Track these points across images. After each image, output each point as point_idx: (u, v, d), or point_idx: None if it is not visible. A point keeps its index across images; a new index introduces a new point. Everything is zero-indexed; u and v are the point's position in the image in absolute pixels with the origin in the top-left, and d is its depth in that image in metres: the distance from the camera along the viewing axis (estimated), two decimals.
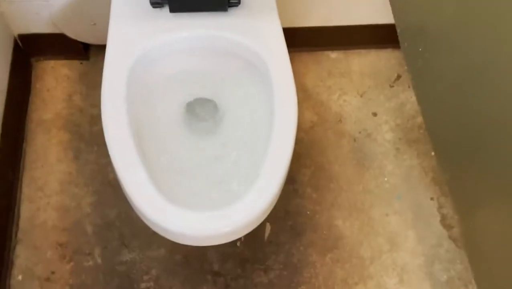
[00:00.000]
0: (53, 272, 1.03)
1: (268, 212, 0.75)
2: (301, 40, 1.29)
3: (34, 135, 1.16)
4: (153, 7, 0.82)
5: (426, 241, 1.14)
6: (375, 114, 1.29)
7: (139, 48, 0.80)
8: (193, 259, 1.07)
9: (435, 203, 1.18)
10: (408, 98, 1.32)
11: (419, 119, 1.28)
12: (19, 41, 1.19)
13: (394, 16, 1.04)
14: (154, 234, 1.07)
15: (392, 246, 1.12)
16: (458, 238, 1.14)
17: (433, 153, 1.23)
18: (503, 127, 0.69)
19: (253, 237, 1.10)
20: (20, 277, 1.02)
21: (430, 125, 0.93)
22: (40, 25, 1.15)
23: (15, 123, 1.14)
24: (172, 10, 0.82)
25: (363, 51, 1.38)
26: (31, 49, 1.22)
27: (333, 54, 1.36)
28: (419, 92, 0.94)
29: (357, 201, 1.17)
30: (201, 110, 0.93)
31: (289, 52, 0.84)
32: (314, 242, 1.11)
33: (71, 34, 1.17)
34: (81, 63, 1.27)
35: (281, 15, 0.87)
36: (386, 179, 1.20)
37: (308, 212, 1.14)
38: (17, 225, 1.06)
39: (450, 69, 0.82)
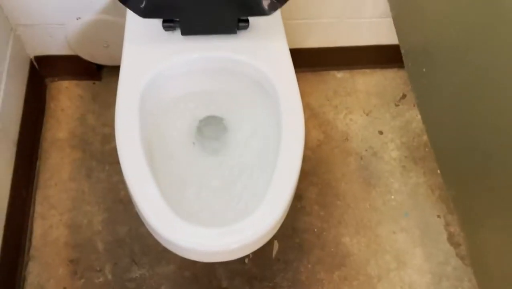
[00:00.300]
0: (64, 288, 1.04)
1: (277, 228, 0.77)
2: (307, 61, 1.32)
3: (48, 154, 1.19)
4: (165, 30, 0.86)
5: (434, 258, 1.14)
6: (381, 133, 1.31)
7: (152, 69, 0.83)
8: (202, 275, 1.08)
9: (442, 221, 1.19)
10: (414, 116, 1.33)
11: (425, 137, 1.30)
12: (35, 63, 1.23)
13: (399, 38, 1.06)
14: (164, 250, 1.09)
15: (399, 263, 1.13)
16: (466, 255, 1.14)
17: (439, 171, 1.25)
18: (508, 144, 0.70)
19: (261, 255, 1.11)
20: None
21: (435, 143, 0.95)
22: (55, 47, 1.19)
23: (30, 142, 1.17)
24: (184, 33, 0.85)
25: (368, 70, 1.40)
26: (46, 70, 1.26)
27: (339, 74, 1.39)
28: (424, 110, 0.96)
29: (364, 218, 1.18)
30: (210, 129, 0.95)
31: (296, 72, 0.86)
32: (322, 260, 1.12)
33: (85, 55, 1.21)
34: (94, 84, 1.30)
35: (288, 36, 0.90)
36: (392, 196, 1.21)
37: (316, 230, 1.15)
38: (30, 242, 1.08)
39: (453, 89, 0.84)
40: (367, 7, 1.19)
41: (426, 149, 1.29)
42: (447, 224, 1.18)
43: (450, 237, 1.17)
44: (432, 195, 1.22)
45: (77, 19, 1.09)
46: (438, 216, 1.19)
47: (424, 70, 0.91)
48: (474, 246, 0.80)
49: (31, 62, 1.22)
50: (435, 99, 0.89)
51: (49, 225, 1.11)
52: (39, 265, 1.06)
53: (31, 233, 1.09)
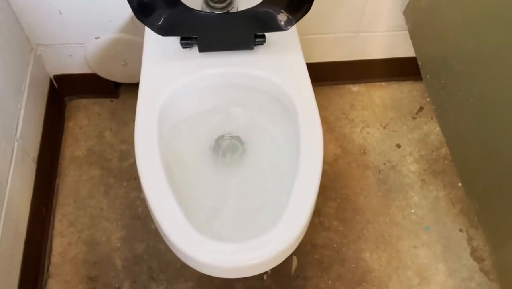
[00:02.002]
0: None
1: (297, 244, 0.76)
2: (323, 75, 1.32)
3: (67, 171, 1.20)
4: (183, 47, 0.87)
5: (457, 274, 1.11)
6: (399, 146, 1.29)
7: (170, 86, 0.84)
8: None
9: (464, 235, 1.16)
10: (432, 129, 1.32)
11: (444, 150, 1.28)
12: (54, 82, 1.25)
13: (415, 50, 1.06)
14: (182, 267, 1.08)
15: (421, 279, 1.10)
16: (490, 270, 1.11)
17: (460, 184, 1.23)
18: None
19: (280, 271, 1.09)
20: None
21: (455, 155, 0.93)
22: (74, 66, 1.21)
23: (49, 160, 1.18)
24: (201, 50, 0.86)
25: (384, 84, 1.40)
26: (65, 89, 1.28)
27: (355, 88, 1.39)
28: (443, 123, 0.95)
29: (384, 233, 1.16)
30: (227, 145, 0.95)
31: (312, 86, 0.86)
32: (342, 276, 1.10)
33: (103, 74, 1.23)
34: (111, 101, 1.32)
35: (304, 51, 0.90)
36: (412, 210, 1.19)
37: (335, 245, 1.14)
38: (49, 259, 1.09)
39: (474, 99, 0.83)
40: (382, 20, 1.19)
41: (446, 162, 1.27)
42: (470, 238, 1.16)
43: (474, 252, 1.14)
44: (453, 208, 1.20)
45: (96, 38, 1.11)
46: (460, 230, 1.17)
47: (442, 81, 0.91)
48: (500, 260, 0.78)
49: (51, 81, 1.24)
50: (455, 111, 0.88)
51: (68, 242, 1.11)
52: (58, 283, 1.06)
53: (50, 250, 1.10)
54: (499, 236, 0.79)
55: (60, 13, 1.04)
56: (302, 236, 0.77)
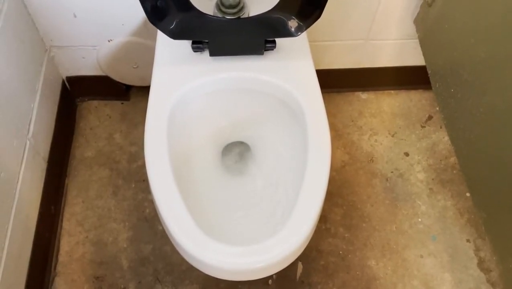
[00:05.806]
0: None
1: (302, 249, 0.76)
2: (332, 81, 1.33)
3: (77, 171, 1.22)
4: (194, 51, 0.88)
5: (463, 285, 1.10)
6: (407, 154, 1.29)
7: (181, 89, 0.85)
8: None
9: (471, 245, 1.15)
10: (440, 138, 1.32)
11: (452, 160, 1.28)
12: (66, 83, 1.27)
13: (425, 58, 1.06)
14: (187, 270, 1.09)
15: None
16: (497, 282, 1.10)
17: (468, 194, 1.22)
18: None
19: (285, 277, 1.09)
20: None
21: (464, 165, 0.93)
22: (86, 68, 1.23)
23: (59, 160, 1.20)
24: (212, 54, 0.87)
25: (393, 92, 1.40)
26: (77, 90, 1.30)
27: (364, 95, 1.39)
28: (452, 132, 0.95)
29: (391, 241, 1.15)
30: (235, 149, 0.96)
31: (321, 92, 0.86)
32: (347, 283, 1.09)
33: (114, 76, 1.25)
34: (122, 104, 1.34)
35: (314, 57, 0.91)
36: (420, 219, 1.19)
37: (341, 252, 1.13)
38: (57, 258, 1.10)
39: (483, 108, 0.83)
40: (392, 29, 1.19)
41: (454, 172, 1.26)
42: (477, 249, 1.15)
43: (481, 263, 1.13)
44: (460, 218, 1.19)
45: (109, 41, 1.13)
46: (468, 241, 1.16)
47: (452, 90, 0.91)
48: (507, 271, 0.78)
49: (63, 82, 1.26)
50: (464, 120, 0.88)
51: (76, 242, 1.12)
52: (65, 282, 1.07)
53: (58, 249, 1.11)
54: (506, 247, 0.78)
55: (75, 16, 1.06)
56: (308, 241, 0.77)
